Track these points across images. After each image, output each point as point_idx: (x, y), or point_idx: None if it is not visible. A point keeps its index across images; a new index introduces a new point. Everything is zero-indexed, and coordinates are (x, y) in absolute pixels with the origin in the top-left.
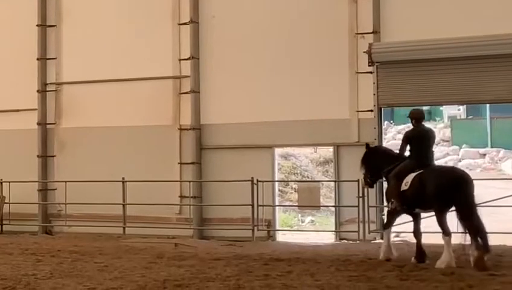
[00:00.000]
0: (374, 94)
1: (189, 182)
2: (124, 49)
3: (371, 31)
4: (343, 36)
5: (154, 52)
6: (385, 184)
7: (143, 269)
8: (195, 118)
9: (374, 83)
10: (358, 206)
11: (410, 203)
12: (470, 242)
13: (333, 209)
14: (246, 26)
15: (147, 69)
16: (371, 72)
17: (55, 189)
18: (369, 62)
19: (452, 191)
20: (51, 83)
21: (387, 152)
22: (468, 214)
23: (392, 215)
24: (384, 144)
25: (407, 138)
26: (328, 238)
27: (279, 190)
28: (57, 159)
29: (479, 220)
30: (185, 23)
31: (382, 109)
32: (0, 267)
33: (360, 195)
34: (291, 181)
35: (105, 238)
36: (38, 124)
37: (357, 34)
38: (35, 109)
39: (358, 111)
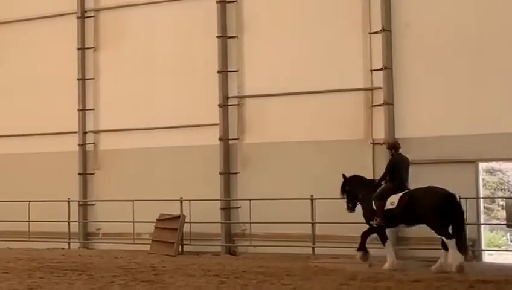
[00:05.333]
0: None
1: None
2: (309, 60)
3: None
4: None
5: (342, 63)
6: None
7: None
8: (389, 132)
9: None
10: None
11: (396, 220)
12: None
13: None
14: (443, 33)
15: (334, 80)
16: None
17: (239, 207)
18: None
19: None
20: (232, 97)
21: (362, 179)
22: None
23: (381, 231)
24: None
25: (392, 165)
26: None
27: (484, 207)
28: (240, 175)
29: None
30: (376, 32)
31: None
32: None
33: None
34: (498, 197)
35: (292, 259)
36: (220, 139)
37: None
38: (217, 124)
39: None
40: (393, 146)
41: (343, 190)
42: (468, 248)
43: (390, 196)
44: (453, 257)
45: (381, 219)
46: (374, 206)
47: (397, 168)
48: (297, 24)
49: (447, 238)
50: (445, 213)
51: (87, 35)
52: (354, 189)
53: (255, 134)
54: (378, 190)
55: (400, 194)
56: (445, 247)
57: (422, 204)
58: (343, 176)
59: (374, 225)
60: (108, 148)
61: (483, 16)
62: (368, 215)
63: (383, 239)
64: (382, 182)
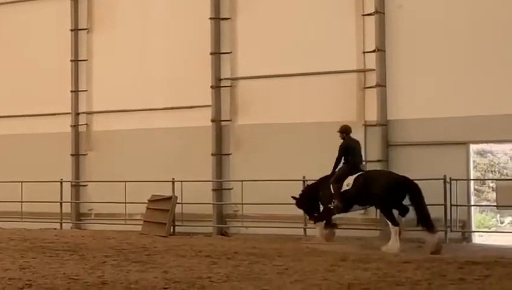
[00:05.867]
0: None
1: None
2: (302, 41)
3: None
4: None
5: (336, 45)
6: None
7: (325, 272)
8: (381, 114)
9: None
10: None
11: (350, 201)
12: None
13: None
14: (436, 15)
15: (328, 62)
16: None
17: (231, 188)
18: None
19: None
20: (225, 78)
21: (312, 186)
22: None
23: (330, 213)
24: None
25: (344, 148)
26: None
27: (474, 189)
28: (233, 157)
29: None
30: (369, 14)
31: None
32: (173, 270)
33: None
34: (488, 179)
35: (284, 240)
36: (212, 121)
37: None
38: (209, 106)
39: None
40: (345, 130)
41: (302, 208)
42: (436, 227)
43: (346, 178)
44: (391, 244)
45: (339, 201)
46: (332, 190)
47: (350, 151)
48: (290, 6)
49: (392, 224)
50: (396, 198)
51: (80, 17)
52: (311, 197)
53: (247, 115)
54: (335, 173)
55: (355, 175)
56: (426, 228)
57: (375, 186)
58: (294, 197)
59: (332, 208)
60: (101, 129)
61: None
62: (327, 200)
63: (323, 218)
64: (336, 169)
